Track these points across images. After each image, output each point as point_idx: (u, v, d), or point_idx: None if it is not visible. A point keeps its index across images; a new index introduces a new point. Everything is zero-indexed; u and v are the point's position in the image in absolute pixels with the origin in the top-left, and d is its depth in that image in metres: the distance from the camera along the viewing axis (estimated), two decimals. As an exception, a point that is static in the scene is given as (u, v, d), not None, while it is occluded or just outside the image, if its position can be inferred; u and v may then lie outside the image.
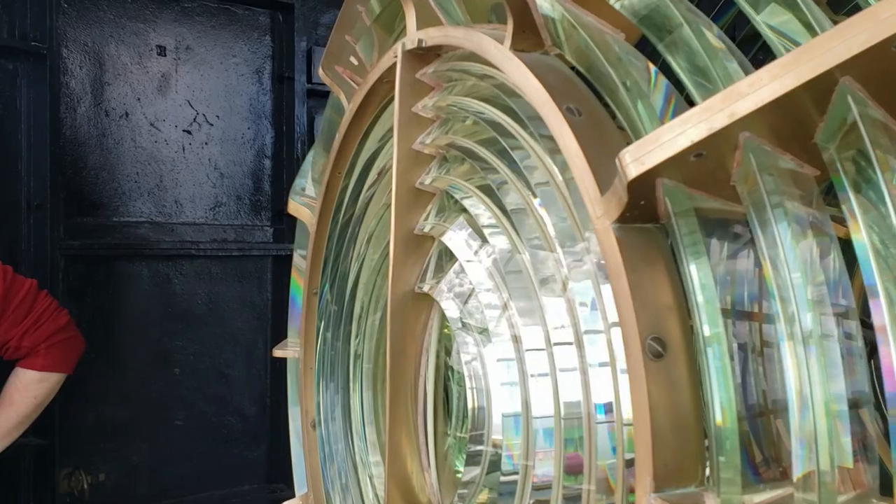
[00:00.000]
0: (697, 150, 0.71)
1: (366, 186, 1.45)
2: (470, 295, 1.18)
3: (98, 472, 2.99)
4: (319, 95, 3.29)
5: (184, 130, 3.19)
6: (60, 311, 2.15)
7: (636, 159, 0.74)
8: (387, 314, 1.26)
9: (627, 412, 0.83)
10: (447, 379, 1.34)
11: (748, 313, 0.98)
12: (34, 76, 2.70)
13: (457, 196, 1.17)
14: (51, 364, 2.11)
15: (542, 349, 0.99)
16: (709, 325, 0.75)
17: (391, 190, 1.27)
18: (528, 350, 1.01)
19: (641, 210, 0.79)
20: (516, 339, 1.05)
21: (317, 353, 1.58)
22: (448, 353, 1.32)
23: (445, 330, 1.30)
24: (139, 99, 3.07)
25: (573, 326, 0.93)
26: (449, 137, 1.19)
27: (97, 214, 2.99)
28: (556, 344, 0.96)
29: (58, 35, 2.81)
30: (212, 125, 3.25)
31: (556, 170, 0.94)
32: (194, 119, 3.21)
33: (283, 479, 3.15)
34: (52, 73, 2.74)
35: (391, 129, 1.28)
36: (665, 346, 0.76)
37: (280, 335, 1.84)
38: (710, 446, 0.76)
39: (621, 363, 0.83)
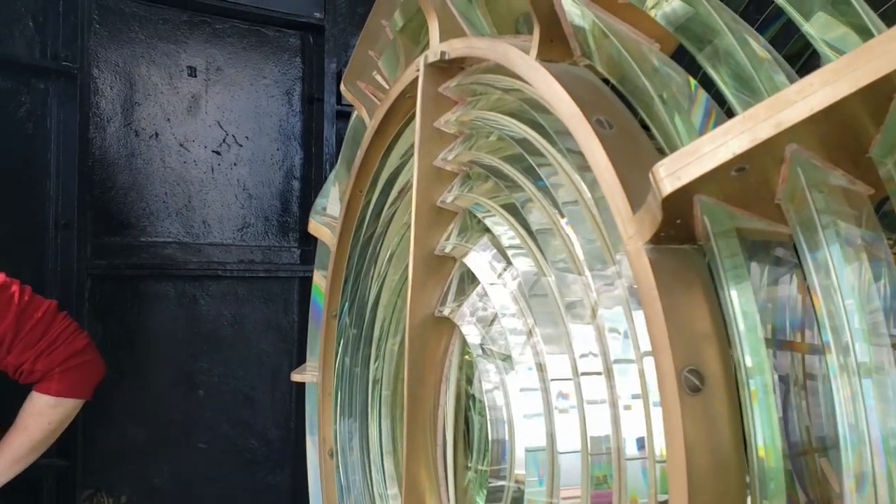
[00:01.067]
0: (739, 164, 0.65)
1: (388, 204, 1.41)
2: (493, 320, 1.12)
3: (120, 494, 2.96)
4: (349, 117, 3.26)
5: (213, 151, 3.18)
6: (79, 334, 2.08)
7: (672, 173, 0.68)
8: (405, 339, 1.20)
9: (660, 448, 0.76)
10: (468, 409, 1.27)
11: (790, 343, 0.91)
12: (65, 96, 2.71)
13: (479, 215, 1.12)
14: (65, 389, 2.04)
15: (569, 379, 0.93)
16: (751, 355, 0.69)
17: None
18: (553, 380, 0.94)
19: (677, 230, 0.73)
20: (541, 368, 0.99)
21: (335, 378, 1.52)
22: (469, 381, 1.26)
23: (467, 356, 1.24)
24: (169, 119, 3.07)
25: (602, 355, 0.87)
26: (472, 154, 1.13)
27: (124, 234, 2.98)
28: (583, 374, 0.89)
29: (89, 55, 2.82)
30: (241, 146, 3.24)
31: (584, 187, 0.88)
32: (224, 140, 3.21)
33: (306, 504, 3.10)
34: (83, 93, 2.75)
35: (413, 146, 1.24)
36: (703, 380, 0.69)
37: (305, 358, 1.79)
38: (752, 489, 0.69)
39: (654, 396, 0.77)
